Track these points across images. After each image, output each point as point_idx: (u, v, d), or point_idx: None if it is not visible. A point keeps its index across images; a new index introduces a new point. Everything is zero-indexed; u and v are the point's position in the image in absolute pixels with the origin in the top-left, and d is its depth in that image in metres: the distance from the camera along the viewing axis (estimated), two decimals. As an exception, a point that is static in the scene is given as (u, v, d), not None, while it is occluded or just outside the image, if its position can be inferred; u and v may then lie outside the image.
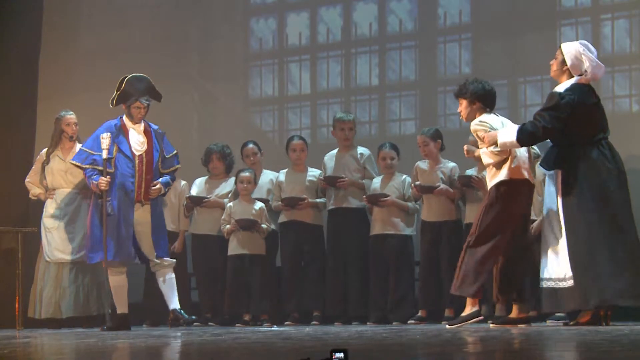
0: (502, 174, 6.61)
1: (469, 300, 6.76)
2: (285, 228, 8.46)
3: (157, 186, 7.69)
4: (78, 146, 8.65)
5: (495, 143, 6.59)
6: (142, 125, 7.74)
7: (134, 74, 7.69)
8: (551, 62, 6.83)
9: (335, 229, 8.33)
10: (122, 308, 7.65)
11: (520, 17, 8.77)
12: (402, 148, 8.25)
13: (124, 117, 7.75)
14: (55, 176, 8.57)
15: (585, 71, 6.66)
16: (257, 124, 9.81)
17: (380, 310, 8.09)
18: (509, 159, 6.60)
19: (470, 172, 7.90)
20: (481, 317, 6.81)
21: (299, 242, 8.40)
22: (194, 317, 7.82)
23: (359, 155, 8.38)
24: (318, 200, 8.42)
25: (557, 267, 6.61)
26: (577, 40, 7.33)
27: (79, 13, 10.46)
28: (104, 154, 7.55)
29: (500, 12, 8.91)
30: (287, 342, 5.18)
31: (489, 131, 6.66)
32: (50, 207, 8.58)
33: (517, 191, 6.65)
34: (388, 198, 8.04)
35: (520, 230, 6.75)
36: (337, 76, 9.50)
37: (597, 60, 6.74)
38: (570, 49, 6.74)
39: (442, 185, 7.98)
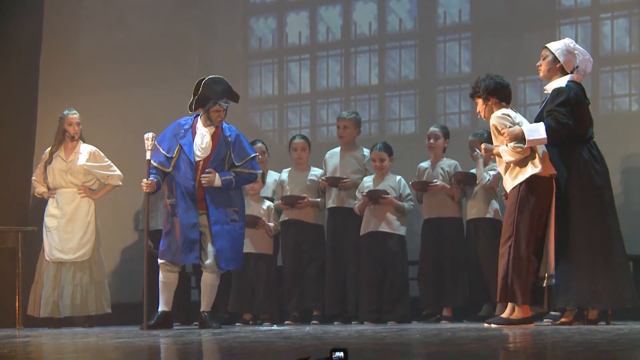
0: (534, 170, 6.45)
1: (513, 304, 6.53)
2: (286, 227, 8.45)
3: (209, 175, 7.32)
4: (81, 146, 8.64)
5: (515, 140, 6.43)
6: (213, 129, 7.42)
7: (210, 77, 7.36)
8: (538, 64, 6.78)
9: (334, 229, 8.32)
10: (165, 305, 7.44)
11: (519, 17, 8.77)
12: (401, 147, 8.25)
13: (199, 118, 7.45)
14: (56, 176, 8.56)
15: (577, 66, 6.65)
16: (257, 124, 9.81)
17: (374, 311, 8.04)
18: (536, 155, 6.47)
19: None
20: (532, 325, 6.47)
21: (299, 242, 8.39)
22: (220, 326, 7.53)
23: (361, 156, 8.37)
24: (319, 199, 8.41)
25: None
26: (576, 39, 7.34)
27: (80, 13, 10.45)
28: (148, 155, 7.36)
29: (499, 11, 8.92)
30: (287, 342, 5.18)
31: (509, 126, 6.52)
32: (51, 207, 8.58)
33: (548, 186, 6.55)
34: (388, 196, 8.03)
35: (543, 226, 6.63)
36: (337, 75, 9.50)
37: (587, 53, 6.76)
38: (560, 46, 6.72)
39: (439, 182, 7.97)
